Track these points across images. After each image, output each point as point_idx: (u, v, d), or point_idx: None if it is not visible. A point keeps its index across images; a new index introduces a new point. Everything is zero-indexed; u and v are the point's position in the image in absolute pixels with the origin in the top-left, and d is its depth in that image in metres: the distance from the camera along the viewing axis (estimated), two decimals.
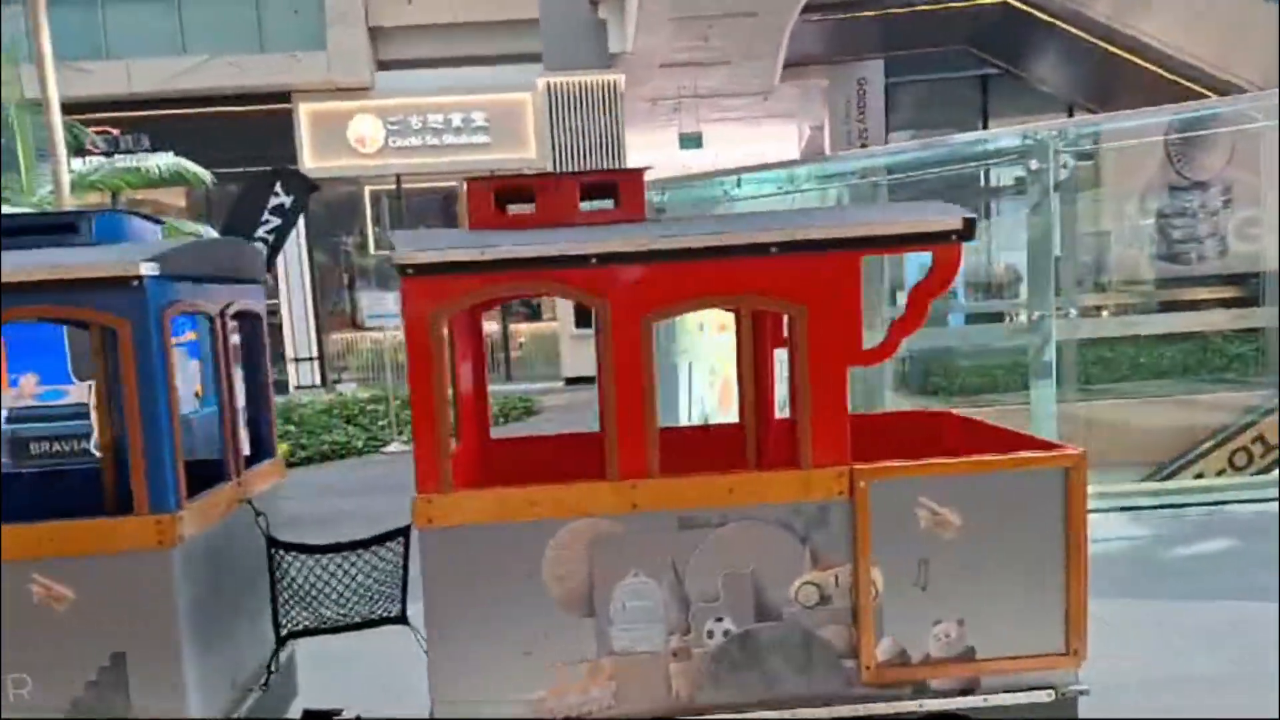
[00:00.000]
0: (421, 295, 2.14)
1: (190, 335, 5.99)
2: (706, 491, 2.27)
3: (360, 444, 8.80)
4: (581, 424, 3.67)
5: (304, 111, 12.12)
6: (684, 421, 5.58)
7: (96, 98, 10.46)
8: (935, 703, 2.24)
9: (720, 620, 2.26)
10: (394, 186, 12.94)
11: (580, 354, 11.29)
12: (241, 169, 11.49)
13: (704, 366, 5.91)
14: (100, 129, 10.58)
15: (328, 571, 2.60)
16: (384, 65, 12.88)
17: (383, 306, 9.06)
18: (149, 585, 2.29)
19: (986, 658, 2.25)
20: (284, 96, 12.07)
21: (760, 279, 2.24)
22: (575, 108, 11.88)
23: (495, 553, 2.27)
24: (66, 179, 7.57)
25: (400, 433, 9.01)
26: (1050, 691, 2.25)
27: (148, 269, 2.24)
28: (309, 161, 11.98)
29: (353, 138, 12.28)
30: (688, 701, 2.27)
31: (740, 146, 15.31)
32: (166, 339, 2.34)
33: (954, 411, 3.13)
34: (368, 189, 13.51)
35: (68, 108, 7.96)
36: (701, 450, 2.81)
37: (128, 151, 11.10)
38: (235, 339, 2.91)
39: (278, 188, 6.35)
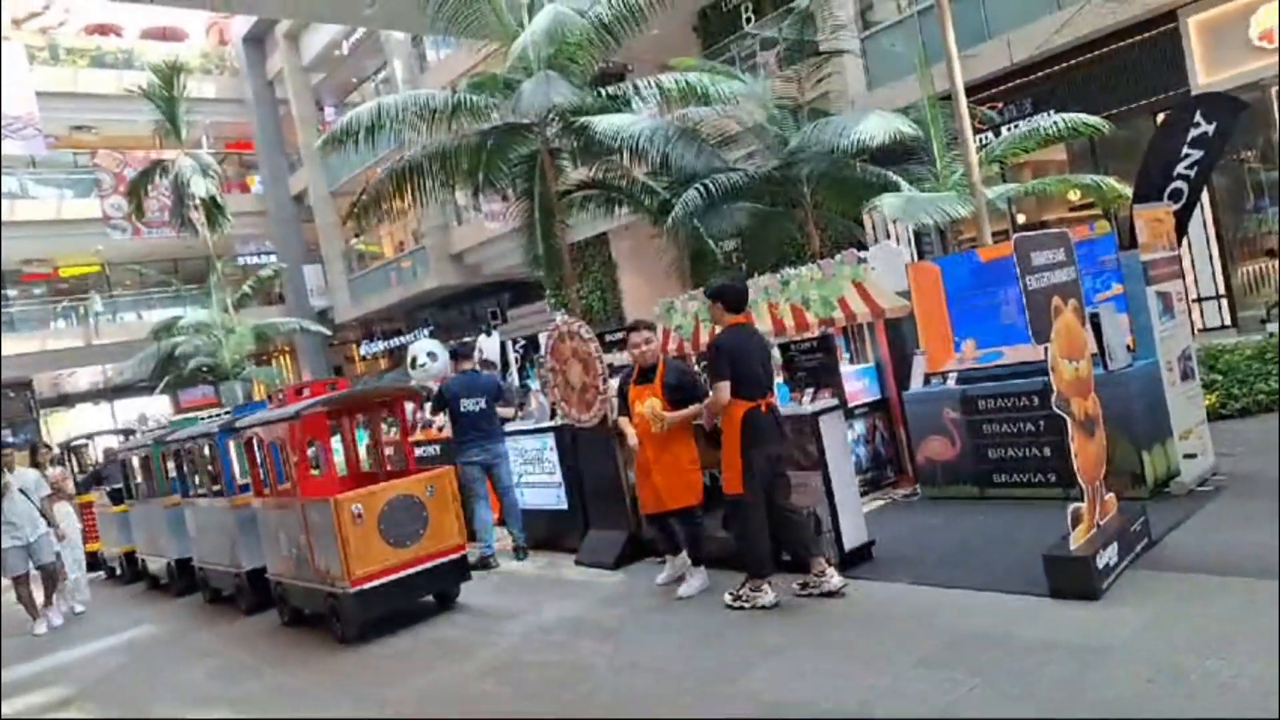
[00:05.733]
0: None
1: (1117, 289, 5.97)
2: (270, 500, 6.65)
3: None
4: None
5: (1192, 24, 10.87)
6: None
7: (984, 78, 11.39)
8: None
9: (290, 548, 6.34)
10: None
11: None
12: (1124, 108, 11.01)
13: None
14: (989, 106, 11.50)
15: None
16: None
17: None
18: None
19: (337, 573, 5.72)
20: (1165, 18, 11.04)
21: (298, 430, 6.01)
22: None
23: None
24: (975, 161, 8.41)
25: None
26: (344, 589, 5.68)
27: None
28: (1201, 78, 10.72)
29: (1256, 35, 10.48)
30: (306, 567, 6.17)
31: None
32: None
33: None
34: (1274, 89, 11.37)
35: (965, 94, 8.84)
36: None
37: (1012, 121, 11.75)
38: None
39: (1197, 116, 5.81)
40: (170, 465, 8.64)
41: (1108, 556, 4.28)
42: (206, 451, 7.86)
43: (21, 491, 8.07)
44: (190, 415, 12.39)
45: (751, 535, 4.94)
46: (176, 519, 8.46)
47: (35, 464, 8.73)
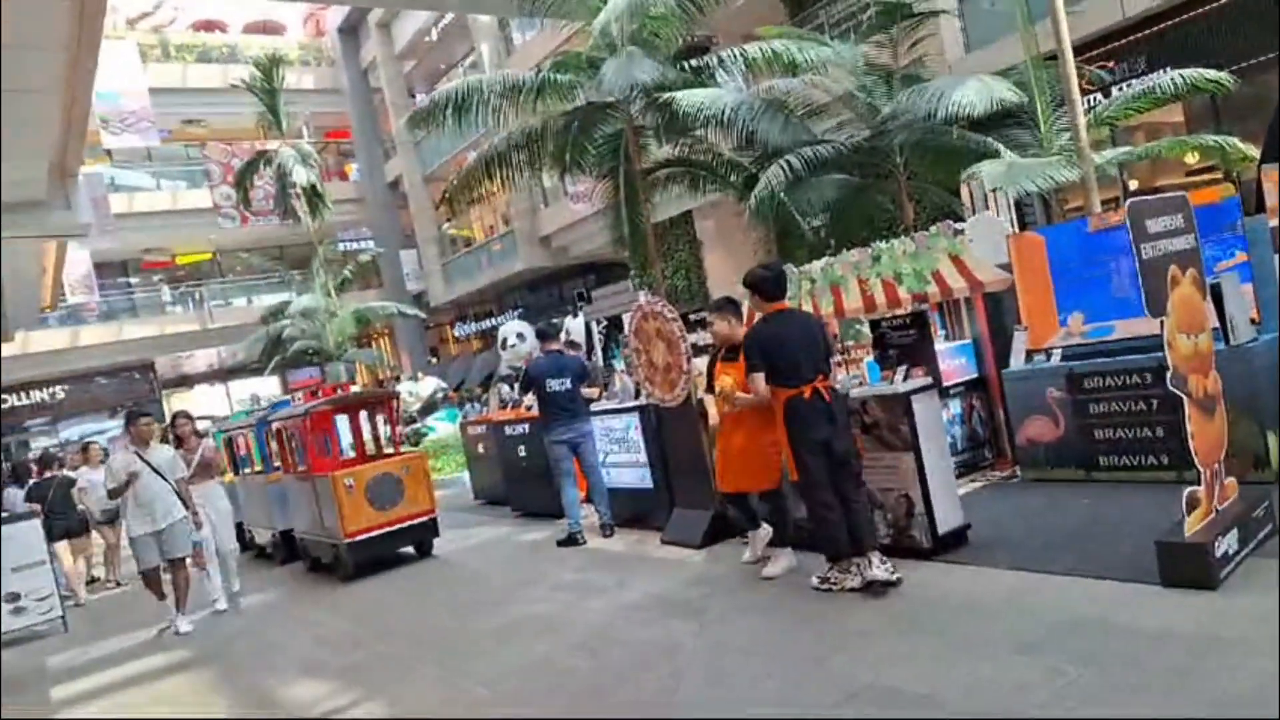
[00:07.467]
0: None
1: (1241, 257, 5.56)
2: (293, 476, 8.65)
3: None
4: None
5: None
6: None
7: (1093, 35, 10.68)
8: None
9: (308, 511, 8.41)
10: None
11: None
12: (1250, 62, 10.17)
13: None
14: (1099, 65, 10.80)
15: None
16: None
17: None
18: None
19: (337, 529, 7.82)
20: None
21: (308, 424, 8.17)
22: None
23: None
24: (1083, 124, 7.91)
25: None
26: (341, 541, 7.73)
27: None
28: None
29: None
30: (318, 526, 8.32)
31: None
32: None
33: None
34: None
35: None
36: None
37: (1124, 80, 11.01)
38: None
39: None
40: (230, 449, 10.42)
41: (1227, 544, 4.01)
42: (251, 439, 9.91)
43: (156, 471, 7.04)
44: (241, 409, 14.38)
45: (818, 517, 4.95)
46: (233, 492, 10.07)
47: (166, 440, 8.33)
